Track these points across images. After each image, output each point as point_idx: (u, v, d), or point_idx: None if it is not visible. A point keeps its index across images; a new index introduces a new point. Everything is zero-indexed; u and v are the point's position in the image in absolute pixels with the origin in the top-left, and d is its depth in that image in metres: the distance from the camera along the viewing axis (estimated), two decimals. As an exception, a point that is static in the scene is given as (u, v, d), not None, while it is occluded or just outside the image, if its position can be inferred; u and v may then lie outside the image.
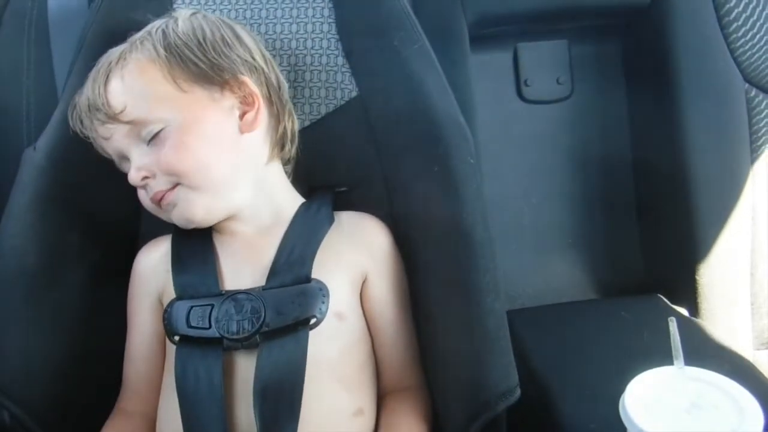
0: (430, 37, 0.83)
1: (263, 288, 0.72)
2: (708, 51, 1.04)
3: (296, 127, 0.82)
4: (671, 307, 0.98)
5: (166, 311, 0.74)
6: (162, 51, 0.73)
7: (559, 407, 0.76)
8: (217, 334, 0.70)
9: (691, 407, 0.55)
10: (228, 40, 0.76)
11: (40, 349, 0.73)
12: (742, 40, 1.04)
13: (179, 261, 0.76)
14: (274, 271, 0.73)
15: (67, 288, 0.76)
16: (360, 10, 0.85)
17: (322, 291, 0.72)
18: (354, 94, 0.85)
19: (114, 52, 0.76)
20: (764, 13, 1.05)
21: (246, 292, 0.72)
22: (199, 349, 0.70)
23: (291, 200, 0.80)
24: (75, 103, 0.76)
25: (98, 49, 0.79)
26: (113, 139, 0.73)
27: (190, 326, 0.71)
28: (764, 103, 1.05)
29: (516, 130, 1.16)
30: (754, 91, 1.05)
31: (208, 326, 0.70)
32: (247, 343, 0.69)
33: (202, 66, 0.73)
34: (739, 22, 1.04)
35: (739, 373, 0.59)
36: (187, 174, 0.72)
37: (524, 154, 1.16)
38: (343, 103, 0.85)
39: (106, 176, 0.78)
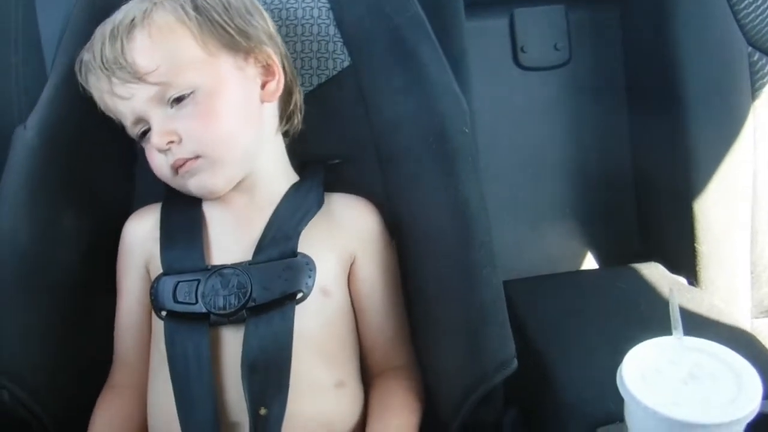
0: (423, 4, 0.81)
1: (250, 263, 0.72)
2: (710, 13, 1.01)
3: (302, 99, 0.81)
4: (670, 276, 0.97)
5: (152, 287, 0.73)
6: (192, 12, 0.71)
7: (555, 377, 0.76)
8: (204, 310, 0.70)
9: (689, 377, 0.55)
10: (249, 8, 0.75)
11: (36, 329, 0.72)
12: (746, 1, 1.01)
13: (167, 234, 0.75)
14: (261, 245, 0.73)
15: (60, 267, 0.75)
16: (351, -23, 0.83)
17: (309, 265, 0.72)
18: (346, 64, 0.84)
19: (133, 10, 0.72)
20: (769, -27, 1.02)
21: (232, 266, 0.71)
22: (186, 324, 0.70)
23: (286, 175, 0.80)
24: (81, 59, 0.74)
25: (85, 24, 0.77)
26: (134, 101, 0.71)
27: (176, 302, 0.71)
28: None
29: (512, 98, 1.14)
30: (757, 55, 1.02)
31: (194, 301, 0.70)
32: (234, 318, 0.69)
33: (231, 31, 0.72)
34: (743, -17, 1.01)
35: (738, 343, 0.58)
36: (215, 144, 0.71)
37: (521, 123, 1.15)
38: (335, 73, 0.84)
39: (98, 153, 0.78)
